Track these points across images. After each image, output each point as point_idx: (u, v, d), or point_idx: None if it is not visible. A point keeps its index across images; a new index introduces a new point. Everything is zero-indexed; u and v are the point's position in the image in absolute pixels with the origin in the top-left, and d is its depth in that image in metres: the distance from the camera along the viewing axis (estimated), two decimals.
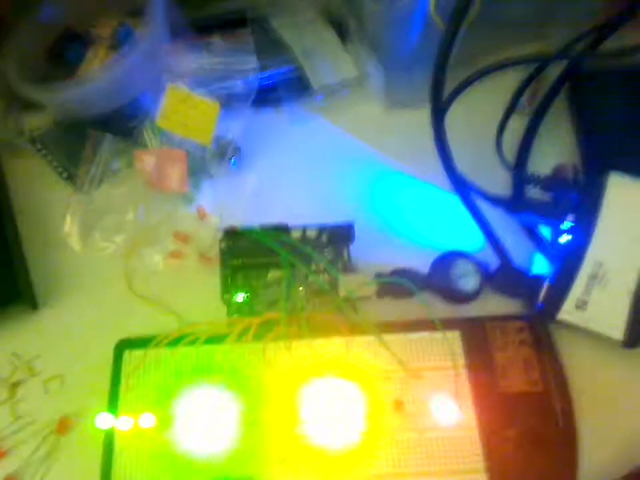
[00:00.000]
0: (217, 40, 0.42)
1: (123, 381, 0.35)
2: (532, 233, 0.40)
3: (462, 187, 0.37)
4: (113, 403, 0.35)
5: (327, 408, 0.34)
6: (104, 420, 0.34)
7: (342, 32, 0.48)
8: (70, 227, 0.42)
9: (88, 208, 0.42)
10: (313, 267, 0.38)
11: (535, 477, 0.33)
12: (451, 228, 0.41)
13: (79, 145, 0.44)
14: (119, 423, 0.34)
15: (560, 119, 0.45)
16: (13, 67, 0.43)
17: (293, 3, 0.48)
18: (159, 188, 0.42)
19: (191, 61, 0.42)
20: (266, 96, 0.46)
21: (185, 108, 0.42)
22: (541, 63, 0.43)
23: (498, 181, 0.42)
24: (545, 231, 0.40)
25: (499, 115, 0.44)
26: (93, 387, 0.36)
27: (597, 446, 0.34)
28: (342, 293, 0.37)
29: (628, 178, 0.37)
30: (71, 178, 0.44)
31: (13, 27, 0.45)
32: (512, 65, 0.42)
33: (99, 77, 0.40)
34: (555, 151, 0.44)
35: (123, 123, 0.44)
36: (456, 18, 0.31)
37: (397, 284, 0.37)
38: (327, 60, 0.46)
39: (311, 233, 0.39)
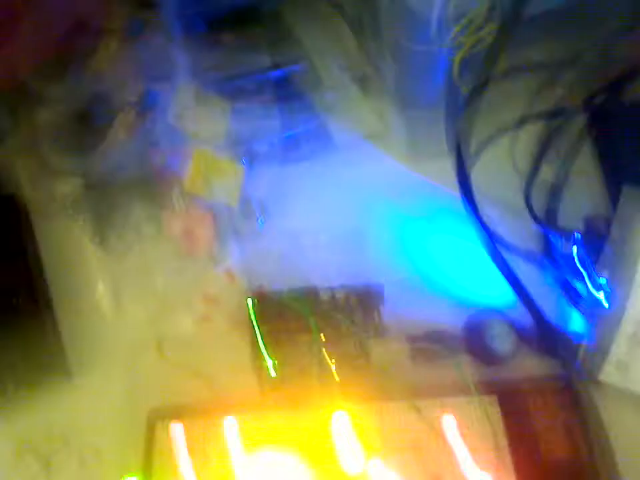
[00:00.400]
0: (241, 104, 0.42)
1: (156, 454, 0.35)
2: (566, 289, 0.39)
3: (491, 244, 0.37)
4: (146, 473, 0.35)
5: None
6: None
7: (364, 85, 0.48)
8: (101, 292, 0.43)
9: (119, 273, 0.43)
10: (344, 331, 0.37)
11: None
12: (484, 282, 0.41)
13: (110, 209, 0.45)
14: None
15: (589, 168, 0.44)
16: (44, 134, 0.44)
17: (317, 58, 0.49)
18: (188, 251, 0.43)
19: (217, 125, 0.42)
20: (291, 152, 0.46)
21: (211, 172, 0.42)
22: (565, 116, 0.42)
23: (531, 234, 0.41)
24: (580, 287, 0.39)
25: (528, 164, 0.44)
26: (128, 459, 0.36)
27: None
28: (374, 358, 0.36)
29: None
30: (102, 242, 0.45)
31: (42, 94, 0.47)
32: (534, 119, 0.42)
33: (124, 145, 0.41)
34: (586, 201, 0.43)
35: (152, 187, 0.45)
36: (479, 87, 0.31)
37: (431, 348, 0.36)
38: (350, 114, 0.46)
39: (340, 295, 0.39)
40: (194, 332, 0.41)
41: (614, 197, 0.42)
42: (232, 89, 0.43)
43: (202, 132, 0.42)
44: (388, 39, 0.37)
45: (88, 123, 0.46)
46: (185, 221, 0.42)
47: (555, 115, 0.43)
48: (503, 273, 0.37)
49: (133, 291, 0.42)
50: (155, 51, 0.40)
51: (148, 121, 0.41)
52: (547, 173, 0.44)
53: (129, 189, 0.44)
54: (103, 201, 0.45)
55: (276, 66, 0.46)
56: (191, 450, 0.35)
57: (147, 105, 0.45)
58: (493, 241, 0.38)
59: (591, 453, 0.34)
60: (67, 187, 0.46)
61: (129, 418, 0.38)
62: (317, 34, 0.47)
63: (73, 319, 0.43)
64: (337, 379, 0.36)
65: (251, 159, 0.43)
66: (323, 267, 0.42)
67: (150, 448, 0.36)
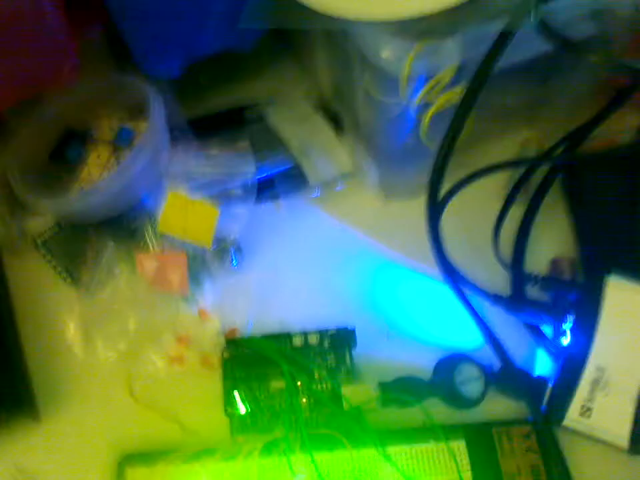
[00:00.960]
0: (215, 151, 0.43)
1: None
2: (533, 331, 0.41)
3: (459, 288, 0.38)
4: None
5: None
6: None
7: (337, 126, 0.49)
8: (72, 332, 0.42)
9: (91, 313, 0.43)
10: (316, 376, 0.38)
11: None
12: (454, 323, 0.42)
13: (82, 248, 0.44)
14: None
15: (556, 208, 0.46)
16: (15, 169, 0.44)
17: (289, 99, 0.49)
18: (160, 290, 0.42)
19: (192, 166, 0.42)
20: (264, 192, 0.47)
21: (185, 213, 0.42)
22: (529, 165, 0.44)
23: (497, 277, 0.43)
24: (547, 330, 0.40)
25: (495, 207, 0.45)
26: None
27: None
28: (345, 403, 0.37)
29: (627, 281, 0.37)
30: (73, 282, 0.44)
31: (14, 128, 0.46)
32: (503, 167, 0.43)
33: (102, 188, 0.41)
34: (553, 242, 0.45)
35: (125, 226, 0.45)
36: (448, 143, 0.32)
37: (400, 395, 0.37)
38: (323, 155, 0.47)
39: (313, 338, 0.39)
40: (166, 373, 0.41)
41: (580, 239, 0.43)
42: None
43: (176, 172, 0.43)
44: (359, 92, 0.38)
45: (61, 156, 0.46)
46: (158, 261, 0.42)
47: (521, 163, 0.44)
48: (470, 316, 0.38)
49: (104, 330, 0.42)
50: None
51: (123, 166, 0.41)
52: (515, 214, 0.45)
53: (101, 228, 0.44)
54: (75, 239, 0.45)
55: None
56: None
57: (121, 140, 0.45)
58: (460, 284, 0.38)
59: None
60: (39, 225, 0.46)
61: (98, 462, 0.37)
62: None
63: (42, 359, 0.42)
64: (308, 428, 0.36)
65: (225, 198, 0.44)
66: (297, 308, 0.43)
67: None
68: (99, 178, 0.45)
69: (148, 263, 0.42)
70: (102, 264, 0.44)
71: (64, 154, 0.47)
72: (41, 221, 0.46)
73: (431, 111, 0.34)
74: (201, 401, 0.40)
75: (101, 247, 0.44)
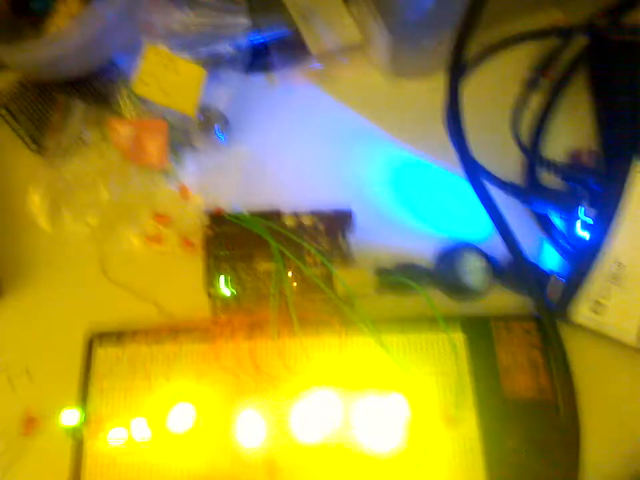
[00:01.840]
0: None
1: (94, 380, 0.32)
2: (545, 225, 0.37)
3: (473, 171, 0.34)
4: (83, 406, 0.32)
5: (318, 416, 0.31)
6: (71, 423, 0.30)
7: None
8: (37, 204, 0.38)
9: (58, 183, 0.38)
10: (308, 259, 0.34)
11: None
12: (459, 212, 0.38)
13: (48, 111, 0.39)
14: (88, 428, 0.31)
15: (579, 98, 0.41)
16: None
17: None
18: (136, 163, 0.38)
19: (174, 19, 0.37)
20: (257, 60, 0.41)
21: (166, 73, 0.37)
22: (560, 36, 0.39)
23: (510, 165, 0.39)
24: (560, 223, 0.37)
25: (514, 91, 0.41)
26: (64, 384, 0.33)
27: (601, 455, 0.32)
28: (338, 288, 0.33)
29: None
30: (39, 149, 0.39)
31: None
32: (529, 38, 0.38)
33: (70, 34, 0.35)
34: (573, 133, 0.40)
35: (97, 89, 0.39)
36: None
37: (400, 281, 0.33)
38: (327, 22, 0.41)
39: (306, 220, 0.35)
40: (142, 251, 0.37)
41: (603, 129, 0.39)
42: None
43: (156, 26, 0.37)
44: None
45: (24, 6, 0.40)
46: (134, 128, 0.37)
47: (552, 33, 0.39)
48: (482, 202, 0.34)
49: (74, 203, 0.38)
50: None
51: (94, 9, 0.35)
52: (536, 101, 0.41)
53: (70, 89, 0.39)
54: (41, 101, 0.40)
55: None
56: (132, 376, 0.32)
57: None
58: (475, 169, 0.34)
59: (555, 395, 0.33)
60: (0, 83, 0.40)
61: (65, 340, 0.34)
62: None
63: (6, 232, 0.38)
64: (298, 311, 0.33)
65: (213, 63, 0.38)
66: (289, 190, 0.39)
67: (87, 372, 0.33)
68: None
69: (123, 130, 0.38)
70: (70, 129, 0.39)
71: (27, 4, 0.41)
72: (3, 80, 0.40)
73: None
74: (180, 282, 0.36)
75: (69, 110, 0.39)
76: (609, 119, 0.39)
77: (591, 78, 0.41)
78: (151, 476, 0.30)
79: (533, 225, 0.38)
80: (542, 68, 0.41)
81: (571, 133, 0.40)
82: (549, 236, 0.37)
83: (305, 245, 0.34)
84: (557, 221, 0.37)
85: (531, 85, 0.41)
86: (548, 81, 0.41)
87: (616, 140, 0.38)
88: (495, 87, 0.41)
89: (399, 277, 0.33)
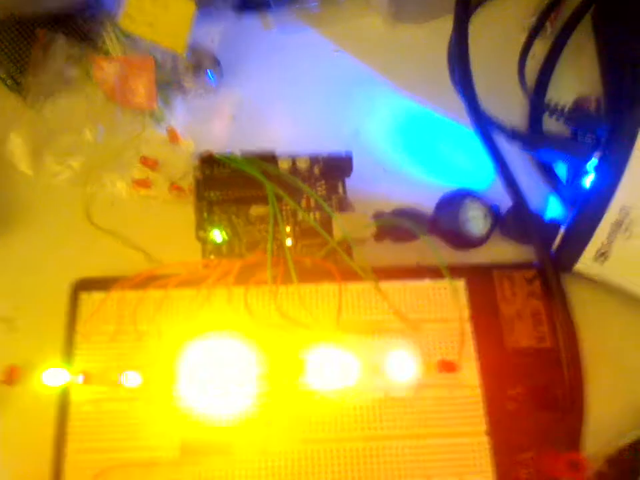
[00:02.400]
0: None
1: (79, 328, 0.31)
2: (548, 172, 0.36)
3: (479, 117, 0.32)
4: (67, 355, 0.30)
5: (313, 362, 0.30)
6: (54, 376, 0.29)
7: None
8: (16, 147, 0.36)
9: (38, 125, 0.36)
10: (303, 203, 0.33)
11: (539, 437, 0.31)
12: (458, 161, 0.37)
13: (29, 49, 0.37)
14: (73, 378, 0.29)
15: (584, 45, 0.40)
16: None
17: None
18: (122, 103, 0.36)
19: None
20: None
21: (154, 7, 0.35)
22: None
23: (514, 114, 0.37)
24: (563, 171, 0.36)
25: (518, 38, 0.39)
26: (48, 333, 0.31)
27: (604, 406, 0.32)
28: (336, 234, 0.32)
29: None
30: (17, 88, 0.37)
31: None
32: None
33: None
34: (578, 80, 0.39)
35: (81, 25, 0.37)
36: None
37: (399, 226, 0.32)
38: None
39: (302, 164, 0.34)
40: (128, 196, 0.35)
41: (609, 77, 0.38)
42: None
43: None
44: None
45: None
46: (121, 66, 0.35)
47: None
48: (486, 147, 0.33)
49: (55, 145, 0.36)
50: None
51: None
52: (541, 47, 0.39)
53: (52, 24, 0.36)
54: (21, 38, 0.37)
55: None
56: (119, 321, 0.31)
57: None
58: (481, 115, 0.33)
59: (556, 344, 0.32)
60: None
61: (47, 288, 0.33)
62: None
63: None
64: (292, 256, 0.31)
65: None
66: (283, 136, 0.37)
67: (72, 320, 0.31)
68: None
69: (108, 68, 0.35)
70: (52, 68, 0.36)
71: None
72: None
73: None
74: (169, 228, 0.35)
75: (51, 48, 0.36)
76: (615, 65, 0.38)
77: (596, 23, 0.40)
78: (138, 425, 0.29)
79: (535, 174, 0.37)
80: (546, 13, 0.39)
81: (577, 80, 0.39)
82: (552, 185, 0.36)
83: (302, 186, 0.32)
84: (562, 169, 0.36)
85: (534, 31, 0.39)
86: (552, 27, 0.40)
87: (622, 86, 0.37)
88: (498, 34, 0.39)
89: (397, 223, 0.32)
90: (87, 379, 0.29)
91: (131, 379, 0.28)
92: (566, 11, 0.40)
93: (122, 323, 0.31)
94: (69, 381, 0.29)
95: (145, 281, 0.31)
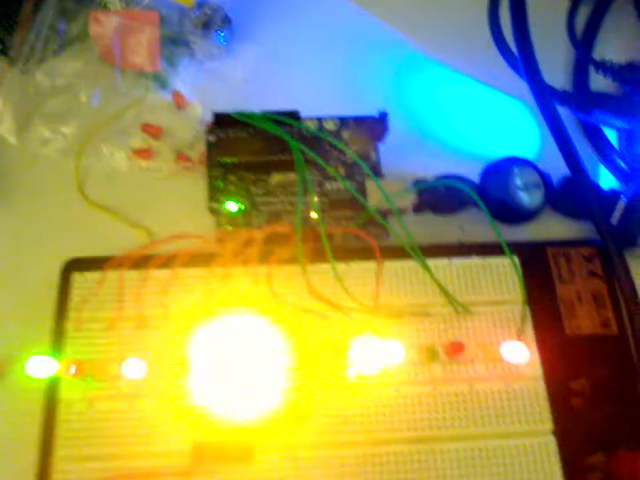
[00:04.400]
0: None
1: (71, 314, 0.26)
2: (599, 139, 0.32)
3: (536, 75, 0.28)
4: (57, 343, 0.26)
5: (353, 352, 0.25)
6: (40, 365, 0.24)
7: None
8: (3, 112, 0.31)
9: (28, 88, 0.32)
10: (331, 170, 0.29)
11: (609, 436, 0.26)
12: (496, 130, 0.33)
13: (15, 4, 0.33)
14: (63, 370, 0.24)
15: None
16: None
17: None
18: (121, 64, 0.32)
19: None
20: None
21: None
22: None
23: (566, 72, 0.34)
24: (617, 138, 0.32)
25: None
26: (35, 314, 0.26)
27: None
28: (371, 200, 0.28)
29: None
30: (5, 49, 0.33)
31: None
32: None
33: None
34: (624, 44, 0.36)
35: None
36: None
37: (445, 193, 0.28)
38: None
39: (328, 126, 0.29)
40: (129, 169, 0.31)
41: None
42: None
43: None
44: None
45: None
46: (120, 21, 0.31)
47: None
48: (541, 110, 0.29)
49: (46, 110, 0.31)
50: None
51: None
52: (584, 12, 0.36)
53: None
54: None
55: None
56: (119, 306, 0.26)
57: None
58: (537, 73, 0.29)
59: (622, 329, 0.28)
60: None
61: (38, 267, 0.28)
62: None
63: None
64: (323, 229, 0.27)
65: None
66: (302, 97, 0.33)
67: (63, 304, 0.26)
68: None
69: (105, 23, 0.31)
70: (41, 24, 0.32)
71: None
72: None
73: None
74: (175, 203, 0.30)
75: (42, 1, 0.32)
76: None
77: None
78: (140, 427, 0.24)
79: (583, 142, 0.33)
80: None
81: (623, 44, 0.36)
82: (603, 153, 0.32)
83: (336, 144, 0.28)
84: (613, 134, 0.32)
85: None
86: None
87: None
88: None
89: (441, 192, 0.28)
90: (80, 370, 0.24)
91: (134, 369, 0.24)
92: None
93: (122, 307, 0.26)
94: (58, 372, 0.24)
95: (148, 259, 0.27)
